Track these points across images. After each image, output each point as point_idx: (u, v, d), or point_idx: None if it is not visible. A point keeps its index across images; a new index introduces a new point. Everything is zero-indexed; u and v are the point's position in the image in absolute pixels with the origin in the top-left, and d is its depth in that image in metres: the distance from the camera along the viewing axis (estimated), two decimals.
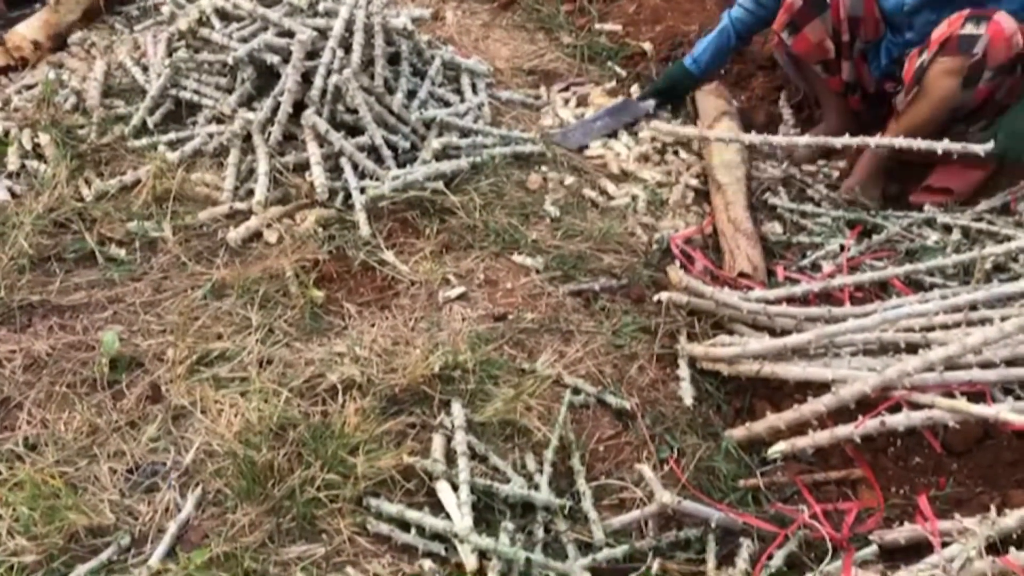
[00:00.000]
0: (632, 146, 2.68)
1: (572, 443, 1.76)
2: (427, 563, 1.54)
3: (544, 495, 1.64)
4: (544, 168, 2.52)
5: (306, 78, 2.38)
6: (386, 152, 2.37)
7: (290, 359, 1.88)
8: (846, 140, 2.33)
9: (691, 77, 2.76)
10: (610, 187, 2.52)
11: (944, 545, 1.54)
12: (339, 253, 2.16)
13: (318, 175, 2.27)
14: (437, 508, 1.61)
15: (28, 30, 2.83)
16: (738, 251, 2.23)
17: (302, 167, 2.35)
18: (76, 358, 1.88)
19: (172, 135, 2.46)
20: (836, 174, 2.57)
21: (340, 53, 2.39)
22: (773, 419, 1.82)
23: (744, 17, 2.70)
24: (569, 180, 2.50)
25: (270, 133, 2.36)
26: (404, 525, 1.59)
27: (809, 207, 2.47)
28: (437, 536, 1.57)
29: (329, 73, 2.37)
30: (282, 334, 1.94)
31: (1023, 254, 2.14)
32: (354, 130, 2.40)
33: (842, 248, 2.30)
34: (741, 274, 2.18)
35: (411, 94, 2.55)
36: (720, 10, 3.23)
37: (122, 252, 2.15)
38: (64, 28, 2.90)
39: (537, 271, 2.15)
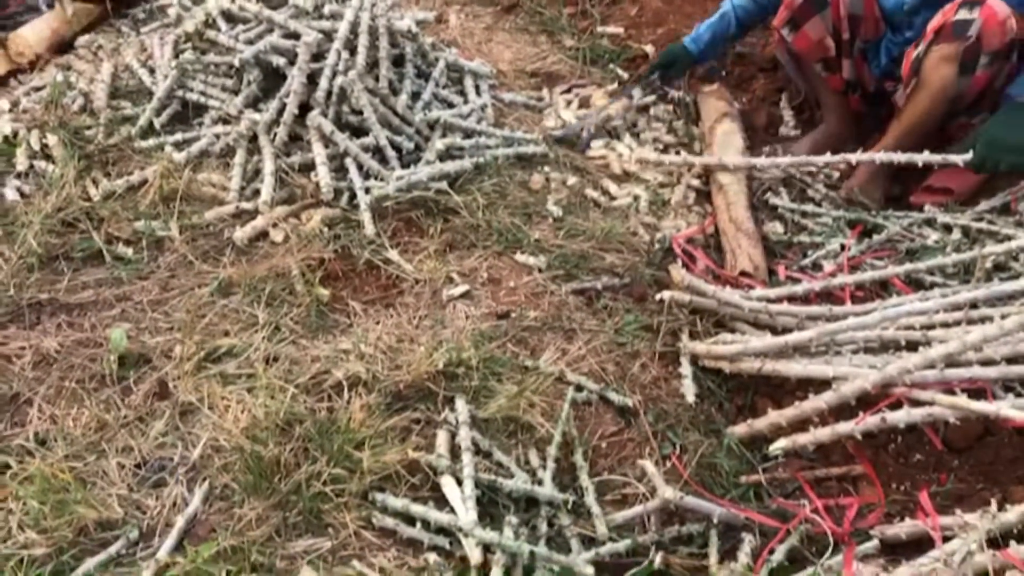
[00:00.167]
0: (634, 147, 2.70)
1: (575, 439, 1.78)
2: (432, 557, 1.56)
3: (548, 490, 1.65)
4: (547, 168, 2.54)
5: (311, 80, 2.41)
6: (390, 153, 2.39)
7: (296, 356, 1.90)
8: (826, 158, 2.41)
9: (689, 55, 2.79)
10: (612, 187, 2.54)
11: (945, 540, 1.55)
12: (344, 252, 2.18)
13: (323, 175, 2.29)
14: (442, 503, 1.63)
15: (35, 39, 2.85)
16: (739, 250, 2.25)
17: (307, 167, 2.37)
18: (85, 355, 1.90)
19: (179, 136, 2.48)
20: (836, 175, 2.59)
21: (345, 55, 2.41)
22: (774, 416, 1.83)
23: (747, 5, 2.73)
24: (571, 180, 2.52)
25: (276, 134, 2.38)
26: (409, 519, 1.60)
27: (810, 207, 2.49)
28: (442, 530, 1.59)
29: (334, 75, 2.39)
30: (288, 331, 1.96)
31: (1023, 253, 2.16)
32: (359, 131, 2.42)
33: (843, 247, 2.31)
34: (743, 273, 2.19)
35: (415, 96, 2.57)
36: None
37: (129, 251, 2.17)
38: (70, 36, 2.93)
39: (540, 270, 2.17)
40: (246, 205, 2.28)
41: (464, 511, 1.58)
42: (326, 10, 2.54)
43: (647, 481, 1.71)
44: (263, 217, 2.24)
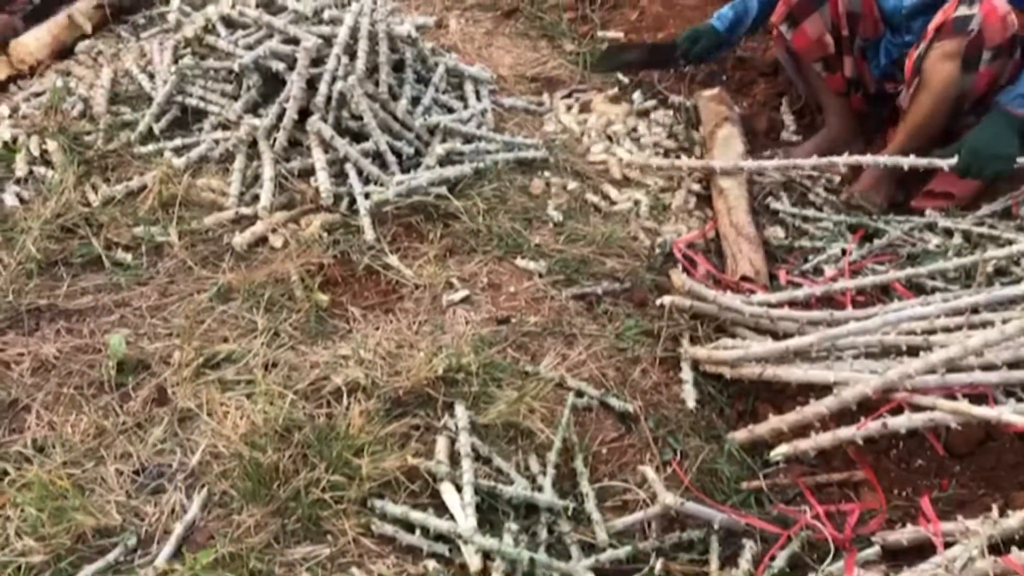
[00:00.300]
0: (635, 151, 2.70)
1: (575, 445, 1.77)
2: (431, 564, 1.55)
3: (547, 496, 1.65)
4: (547, 173, 2.54)
5: (311, 85, 2.41)
6: (390, 158, 2.39)
7: (295, 362, 1.89)
8: (813, 161, 2.41)
9: (714, 32, 2.73)
10: (613, 192, 2.54)
11: (947, 546, 1.55)
12: (344, 257, 2.18)
13: (323, 180, 2.29)
14: (441, 509, 1.62)
15: (36, 46, 2.85)
16: (740, 255, 2.24)
17: (307, 173, 2.37)
18: (83, 361, 1.90)
19: (178, 141, 2.48)
20: (837, 179, 2.58)
21: (345, 60, 2.41)
22: (775, 421, 1.83)
23: None
24: (572, 185, 2.51)
25: (275, 139, 2.37)
26: (408, 526, 1.60)
27: (811, 211, 2.48)
28: (441, 537, 1.58)
29: (334, 80, 2.39)
30: (287, 337, 1.96)
31: None
32: (359, 136, 2.42)
33: (844, 252, 2.31)
34: (743, 278, 2.19)
35: (415, 100, 2.57)
36: None
37: (128, 257, 2.17)
38: (71, 43, 2.93)
39: (540, 275, 2.17)
40: (245, 210, 2.28)
41: (463, 518, 1.58)
42: (326, 15, 2.54)
43: (647, 487, 1.71)
44: (262, 222, 2.24)
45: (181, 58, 2.61)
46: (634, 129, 2.82)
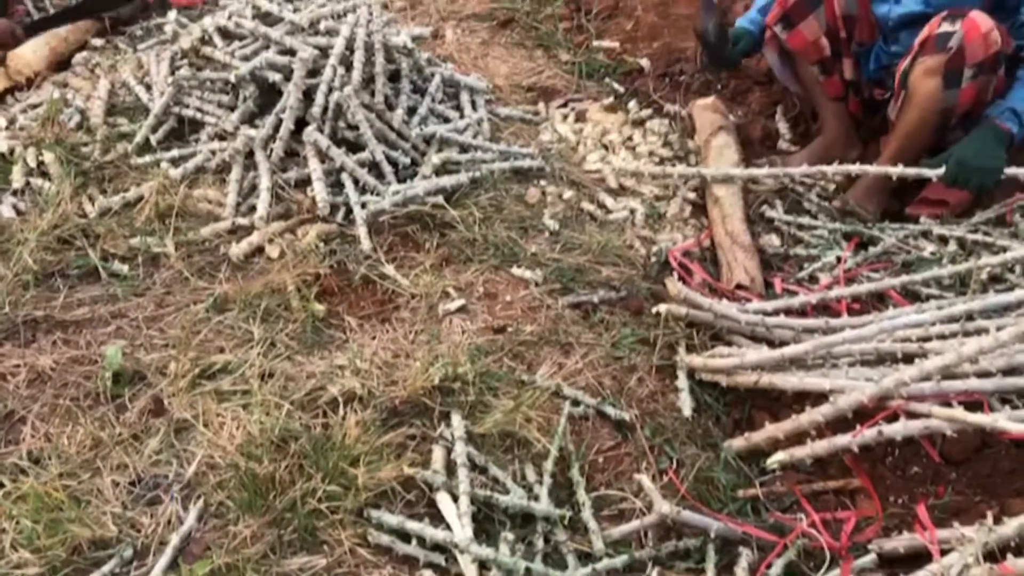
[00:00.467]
0: (630, 160, 2.70)
1: (572, 454, 1.77)
2: (428, 573, 1.55)
3: (544, 506, 1.65)
4: (543, 182, 2.55)
5: (307, 95, 2.42)
6: (387, 168, 2.39)
7: (291, 372, 1.89)
8: (804, 169, 2.42)
9: (751, 35, 2.70)
10: (608, 200, 2.54)
11: (943, 553, 1.55)
12: (340, 267, 2.19)
13: (319, 190, 2.29)
14: (437, 519, 1.62)
15: (34, 58, 2.86)
16: (735, 263, 2.25)
17: (304, 183, 2.38)
18: (79, 372, 1.90)
19: (175, 152, 2.48)
20: (831, 187, 2.59)
21: (341, 71, 2.42)
22: (771, 429, 1.83)
23: None
24: (568, 194, 2.52)
25: (272, 150, 2.38)
26: (405, 536, 1.60)
27: (806, 219, 2.49)
28: (438, 547, 1.58)
29: (330, 90, 2.40)
30: (284, 347, 1.96)
31: (1019, 265, 2.16)
32: (355, 146, 2.43)
33: (839, 260, 2.31)
34: (739, 286, 2.19)
35: (411, 111, 2.58)
36: None
37: (125, 268, 2.17)
38: (68, 54, 2.94)
39: (536, 284, 2.17)
40: (242, 221, 2.29)
41: (460, 527, 1.58)
42: (322, 26, 2.55)
43: (644, 496, 1.71)
44: (259, 233, 2.24)
45: (178, 69, 2.62)
46: (630, 138, 2.83)
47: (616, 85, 3.09)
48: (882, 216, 2.49)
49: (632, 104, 2.96)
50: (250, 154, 2.41)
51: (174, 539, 1.58)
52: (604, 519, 1.70)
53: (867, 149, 2.66)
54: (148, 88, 2.70)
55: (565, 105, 3.01)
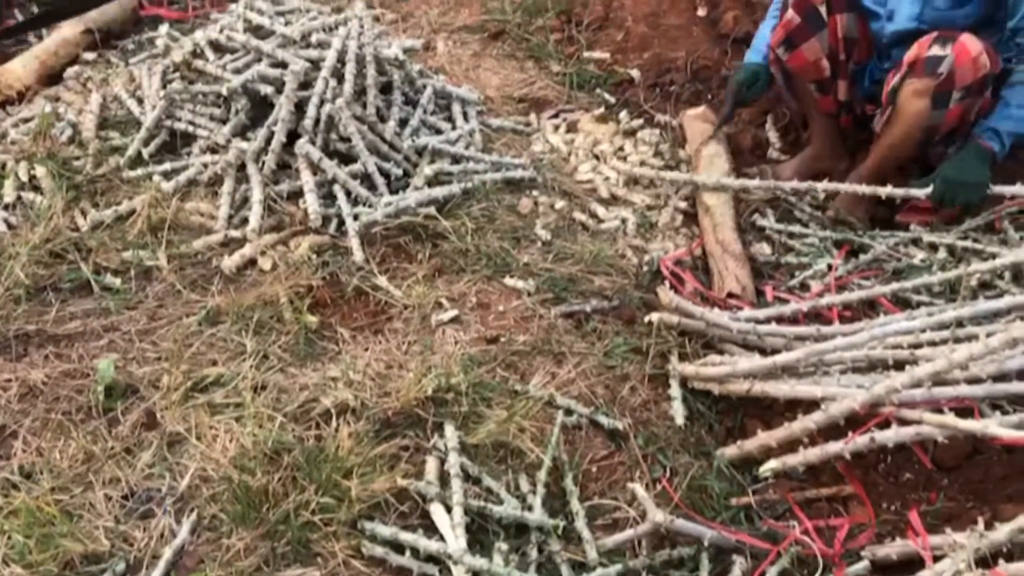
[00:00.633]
0: (618, 174, 2.72)
1: (565, 464, 1.77)
2: None
3: (537, 516, 1.65)
4: (535, 193, 2.56)
5: (299, 108, 2.42)
6: (379, 179, 2.40)
7: (284, 384, 1.89)
8: (794, 184, 2.45)
9: (766, 68, 2.68)
10: (600, 210, 2.55)
11: (936, 560, 1.55)
12: (333, 279, 2.19)
13: (312, 202, 2.30)
14: (431, 530, 1.62)
15: (24, 72, 2.86)
16: (727, 272, 2.25)
17: (296, 195, 2.38)
18: (71, 386, 1.89)
19: (167, 165, 2.49)
20: (822, 195, 2.60)
21: (333, 83, 2.43)
22: (764, 437, 1.83)
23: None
24: (560, 204, 2.53)
25: (264, 162, 2.39)
26: (398, 547, 1.59)
27: (796, 228, 2.50)
28: (431, 558, 1.58)
29: (322, 103, 2.41)
30: (276, 360, 1.96)
31: (1008, 271, 2.17)
32: (347, 158, 2.44)
33: (830, 268, 2.32)
34: (730, 294, 2.20)
35: (403, 122, 2.59)
36: (707, 37, 3.30)
37: (117, 281, 2.17)
38: (59, 68, 2.95)
39: (529, 294, 2.18)
40: (234, 233, 2.29)
41: (453, 538, 1.58)
42: (313, 39, 2.56)
43: (637, 505, 1.71)
44: (251, 245, 2.24)
45: (170, 83, 2.63)
46: (621, 148, 2.84)
47: (607, 96, 3.11)
48: (872, 224, 2.50)
49: (623, 114, 2.98)
50: (242, 167, 2.42)
51: (167, 553, 1.57)
52: (598, 528, 1.70)
53: (855, 159, 2.68)
54: (140, 102, 2.70)
55: (556, 116, 3.02)
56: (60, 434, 1.79)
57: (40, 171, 2.44)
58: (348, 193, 2.36)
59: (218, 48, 2.65)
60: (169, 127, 2.58)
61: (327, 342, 2.03)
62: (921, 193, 2.32)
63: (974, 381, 1.76)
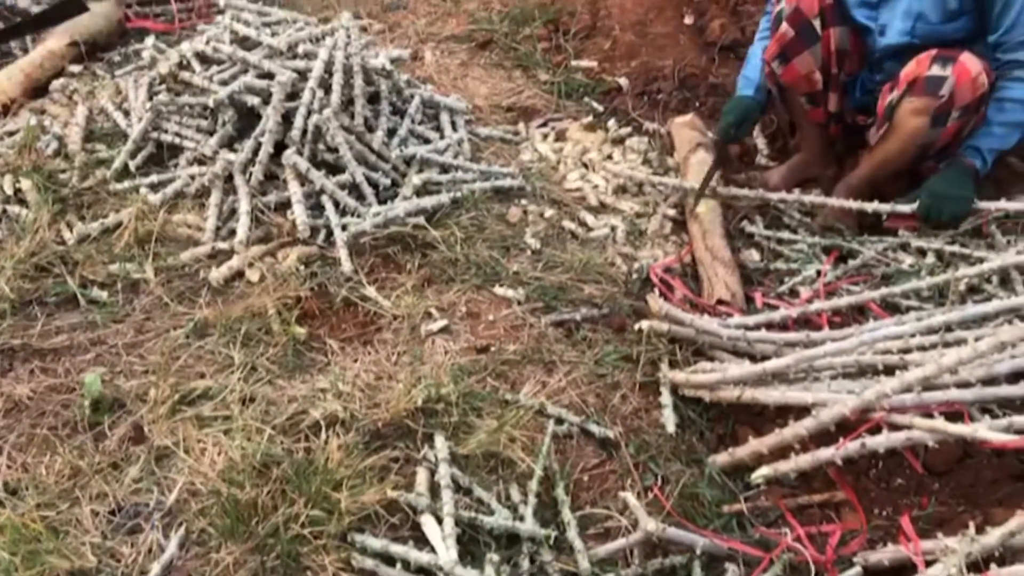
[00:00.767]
0: (610, 179, 2.72)
1: (556, 473, 1.76)
2: None
3: (529, 526, 1.64)
4: (524, 201, 2.55)
5: (286, 119, 2.42)
6: (367, 189, 2.39)
7: (273, 396, 1.88)
8: (782, 195, 2.49)
9: (758, 104, 2.68)
10: (589, 218, 2.55)
11: (928, 565, 1.55)
12: (321, 290, 2.18)
13: (300, 213, 2.29)
14: (422, 542, 1.61)
15: (9, 84, 2.85)
16: (716, 278, 2.26)
17: (284, 206, 2.37)
18: (57, 401, 1.88)
19: (154, 177, 2.48)
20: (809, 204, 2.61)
21: (320, 93, 2.43)
22: (755, 444, 1.83)
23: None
24: (549, 212, 2.53)
25: (251, 173, 2.38)
26: (389, 560, 1.58)
27: (785, 234, 2.50)
28: (422, 570, 1.57)
29: (309, 113, 2.40)
30: (265, 372, 1.95)
31: (995, 275, 2.18)
32: (335, 168, 2.43)
33: (819, 274, 2.33)
34: (720, 301, 2.20)
35: (391, 132, 2.59)
36: (694, 45, 3.31)
37: (104, 294, 2.15)
38: (45, 81, 2.94)
39: (519, 303, 2.17)
40: (222, 245, 2.28)
41: (444, 550, 1.56)
42: (300, 50, 2.56)
43: (629, 514, 1.70)
44: (239, 257, 2.23)
45: (156, 95, 2.62)
46: (609, 156, 2.85)
47: (595, 104, 3.11)
48: (861, 229, 2.51)
49: (611, 123, 2.98)
50: (229, 178, 2.41)
51: (155, 568, 1.55)
52: (590, 538, 1.69)
53: (842, 166, 2.69)
54: (126, 114, 2.69)
55: (545, 124, 3.02)
56: (46, 449, 1.77)
57: (25, 184, 2.43)
58: (336, 204, 2.36)
59: (205, 60, 2.65)
60: (156, 139, 2.57)
61: (316, 353, 2.02)
62: (907, 209, 2.35)
63: (963, 385, 1.77)
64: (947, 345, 1.87)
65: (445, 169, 2.56)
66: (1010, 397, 1.76)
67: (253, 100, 2.44)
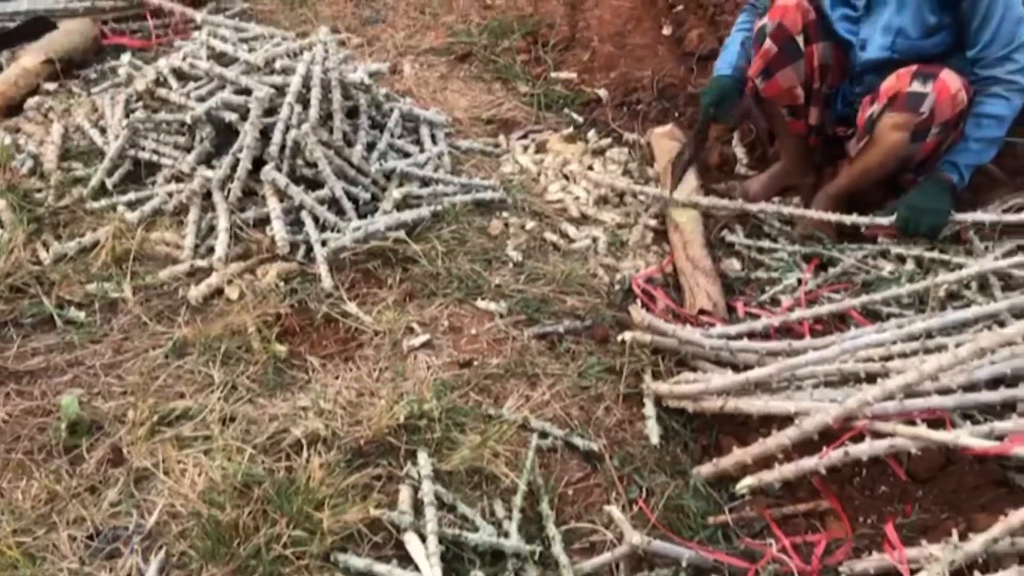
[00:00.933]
0: (591, 189, 2.72)
1: (540, 488, 1.75)
2: None
3: (513, 542, 1.63)
4: (505, 214, 2.55)
5: (265, 134, 2.41)
6: (347, 204, 2.38)
7: (253, 415, 1.86)
8: (762, 206, 2.50)
9: (736, 84, 2.65)
10: (571, 230, 2.55)
11: (912, 573, 1.55)
12: (301, 306, 2.16)
13: (279, 229, 2.27)
14: (406, 560, 1.59)
15: None
16: (698, 288, 2.26)
17: (263, 222, 2.36)
18: (33, 424, 1.85)
19: (131, 195, 2.46)
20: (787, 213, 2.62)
21: (298, 109, 2.42)
22: (739, 454, 1.83)
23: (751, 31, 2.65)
24: (530, 225, 2.53)
25: (230, 190, 2.36)
26: None
27: (766, 243, 2.51)
28: None
29: (287, 128, 2.39)
30: (245, 390, 1.93)
31: (974, 281, 2.19)
32: (314, 183, 2.42)
33: (800, 282, 2.33)
34: (702, 311, 2.20)
35: (370, 146, 2.58)
36: (673, 56, 3.33)
37: (81, 315, 2.13)
38: (19, 99, 2.91)
39: (501, 316, 2.16)
40: (201, 263, 2.26)
41: (428, 568, 1.55)
42: (277, 65, 2.55)
43: (614, 527, 1.69)
44: (218, 274, 2.21)
45: (133, 112, 2.60)
46: (590, 167, 2.85)
47: (575, 115, 3.12)
48: (840, 237, 2.52)
49: (591, 134, 2.99)
50: (208, 195, 2.39)
51: None
52: (575, 552, 1.68)
53: (821, 175, 2.71)
54: (103, 131, 2.67)
55: (525, 136, 3.02)
56: (22, 474, 1.74)
57: (0, 204, 2.40)
58: (316, 219, 2.34)
59: (181, 76, 2.63)
60: (133, 156, 2.55)
61: (296, 371, 2.01)
62: (886, 221, 2.37)
63: (945, 392, 1.77)
64: (928, 352, 1.88)
65: (425, 182, 2.55)
66: (990, 403, 1.77)
67: (231, 116, 2.43)
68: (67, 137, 2.69)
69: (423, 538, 1.60)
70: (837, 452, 1.72)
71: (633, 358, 2.05)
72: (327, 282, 2.20)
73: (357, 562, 1.57)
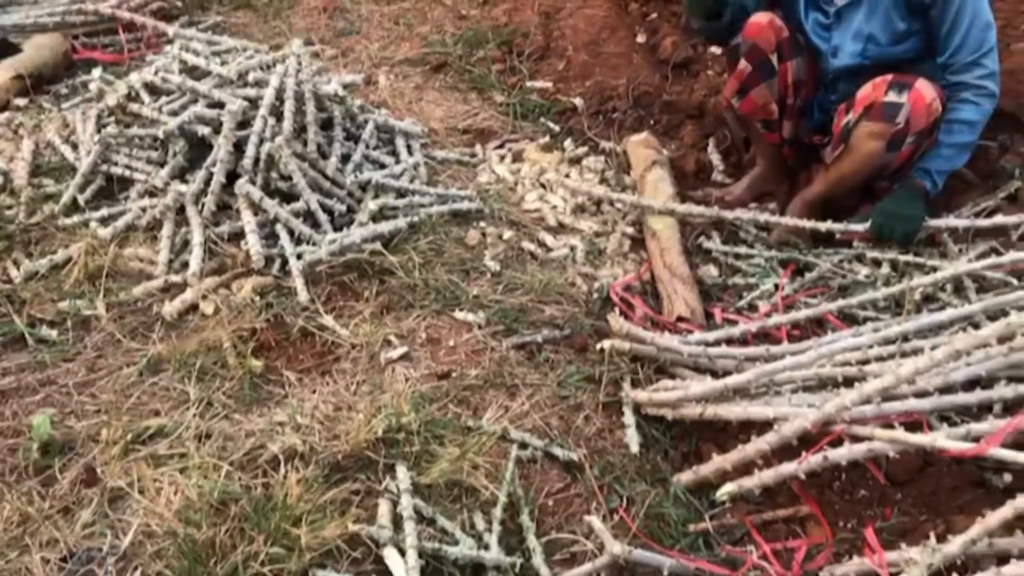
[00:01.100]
0: (568, 199, 2.72)
1: (520, 499, 1.74)
2: None
3: (494, 554, 1.62)
4: (482, 224, 2.54)
5: (238, 147, 2.39)
6: (322, 216, 2.37)
7: (230, 432, 1.84)
8: (738, 213, 2.51)
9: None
10: (548, 239, 2.55)
11: None
12: (277, 321, 2.15)
13: (253, 243, 2.26)
14: (386, 575, 1.57)
15: None
16: (675, 295, 2.26)
17: (237, 236, 2.34)
18: (4, 445, 1.82)
19: (104, 211, 2.43)
20: (762, 219, 2.63)
21: (272, 121, 2.40)
22: (719, 461, 1.83)
23: None
24: (508, 234, 2.52)
25: (204, 204, 2.34)
26: None
27: (742, 249, 2.52)
28: None
29: (261, 141, 2.37)
30: (221, 407, 1.91)
31: (949, 283, 2.21)
32: (289, 196, 2.40)
33: (777, 287, 2.34)
34: (680, 318, 2.21)
35: (345, 158, 2.57)
36: (647, 64, 3.34)
37: (54, 333, 2.10)
38: None
39: (479, 326, 2.16)
40: (175, 278, 2.24)
41: None
42: (251, 78, 2.54)
43: (595, 537, 1.68)
44: (192, 289, 2.19)
45: (105, 127, 2.58)
46: (567, 176, 2.85)
47: (551, 124, 3.12)
48: (816, 241, 2.53)
49: (568, 142, 2.99)
50: (181, 210, 2.37)
51: None
52: (556, 564, 1.67)
53: (795, 180, 2.72)
54: (75, 147, 2.65)
55: (501, 146, 3.02)
56: None
57: None
58: (291, 232, 2.33)
59: (153, 90, 2.61)
60: (105, 172, 2.52)
61: (273, 386, 1.99)
62: (860, 227, 2.39)
63: (922, 395, 1.78)
64: (904, 355, 1.89)
65: (401, 194, 2.54)
66: (967, 404, 1.78)
67: (204, 130, 2.41)
68: (38, 153, 2.66)
69: (403, 553, 1.59)
70: (816, 457, 1.72)
71: (612, 366, 2.05)
72: (303, 296, 2.18)
73: None
